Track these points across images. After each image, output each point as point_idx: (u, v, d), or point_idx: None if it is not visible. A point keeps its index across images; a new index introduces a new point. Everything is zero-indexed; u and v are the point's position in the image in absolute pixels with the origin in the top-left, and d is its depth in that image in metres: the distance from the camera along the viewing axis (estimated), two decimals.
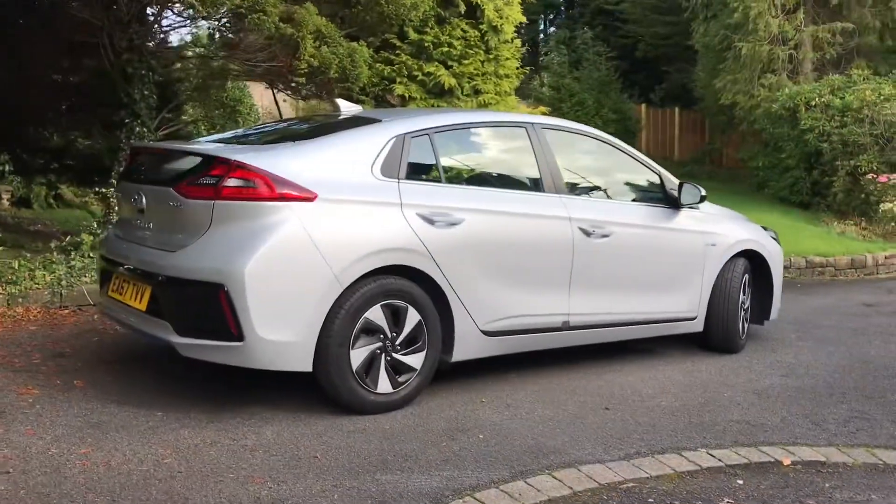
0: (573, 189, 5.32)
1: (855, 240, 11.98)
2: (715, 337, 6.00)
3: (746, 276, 6.15)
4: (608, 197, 5.61)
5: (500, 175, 5.17)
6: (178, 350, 4.20)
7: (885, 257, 10.79)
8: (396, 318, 4.43)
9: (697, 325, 5.92)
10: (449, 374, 4.88)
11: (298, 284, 4.13)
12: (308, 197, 4.19)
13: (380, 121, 4.79)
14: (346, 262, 4.21)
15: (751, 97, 17.23)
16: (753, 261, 6.26)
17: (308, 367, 4.21)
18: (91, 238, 7.30)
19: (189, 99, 9.45)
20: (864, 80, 15.21)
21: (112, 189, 7.60)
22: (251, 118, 14.95)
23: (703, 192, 5.75)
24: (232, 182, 4.12)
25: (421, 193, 4.58)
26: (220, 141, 5.15)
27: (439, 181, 4.75)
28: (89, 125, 9.24)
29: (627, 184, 5.82)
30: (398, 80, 10.94)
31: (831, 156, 14.41)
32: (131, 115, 7.56)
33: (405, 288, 4.44)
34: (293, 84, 8.51)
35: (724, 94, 17.69)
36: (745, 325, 6.21)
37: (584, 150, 5.63)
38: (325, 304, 4.18)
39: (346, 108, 5.26)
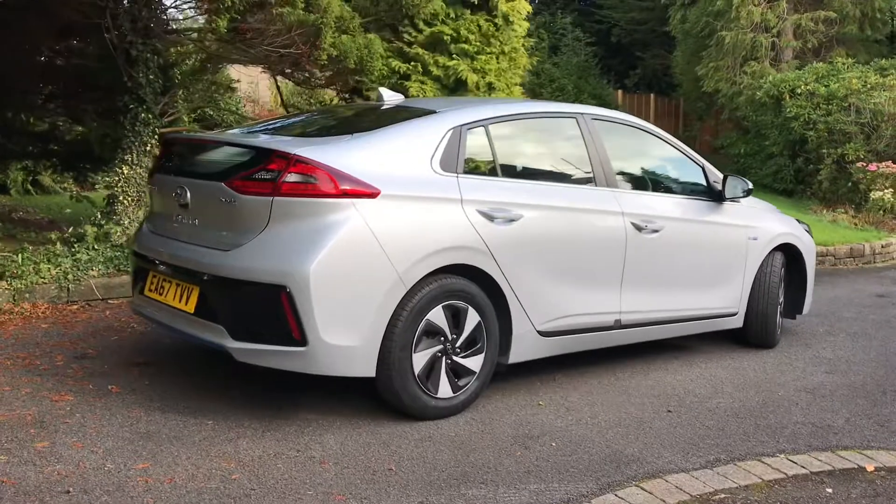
0: (623, 182, 5.13)
1: (848, 228, 12.02)
2: (754, 332, 5.88)
3: (782, 270, 6.04)
4: (655, 190, 5.43)
5: (553, 168, 4.96)
6: (233, 355, 3.94)
7: (882, 246, 10.81)
8: (456, 319, 4.23)
9: (738, 321, 5.80)
10: (495, 376, 4.67)
11: (363, 286, 3.89)
12: (371, 193, 3.95)
13: (434, 111, 4.54)
14: (411, 261, 3.99)
15: (733, 84, 17.24)
16: (787, 254, 6.15)
17: (371, 372, 3.99)
18: (95, 230, 6.94)
19: (181, 85, 9.04)
20: (847, 68, 15.27)
21: (117, 178, 7.23)
22: (232, 102, 14.55)
23: (750, 186, 5.61)
24: (292, 177, 3.86)
25: (480, 188, 4.36)
26: (258, 132, 4.85)
27: (496, 175, 4.53)
28: (81, 111, 8.78)
29: (673, 176, 5.64)
30: (413, 77, 10.45)
31: (817, 144, 14.45)
32: (136, 100, 7.15)
33: (465, 288, 4.24)
34: (296, 73, 8.18)
35: (707, 81, 17.68)
36: (780, 320, 6.11)
37: (631, 141, 5.43)
38: (390, 305, 3.96)
39: (389, 97, 5.01)
